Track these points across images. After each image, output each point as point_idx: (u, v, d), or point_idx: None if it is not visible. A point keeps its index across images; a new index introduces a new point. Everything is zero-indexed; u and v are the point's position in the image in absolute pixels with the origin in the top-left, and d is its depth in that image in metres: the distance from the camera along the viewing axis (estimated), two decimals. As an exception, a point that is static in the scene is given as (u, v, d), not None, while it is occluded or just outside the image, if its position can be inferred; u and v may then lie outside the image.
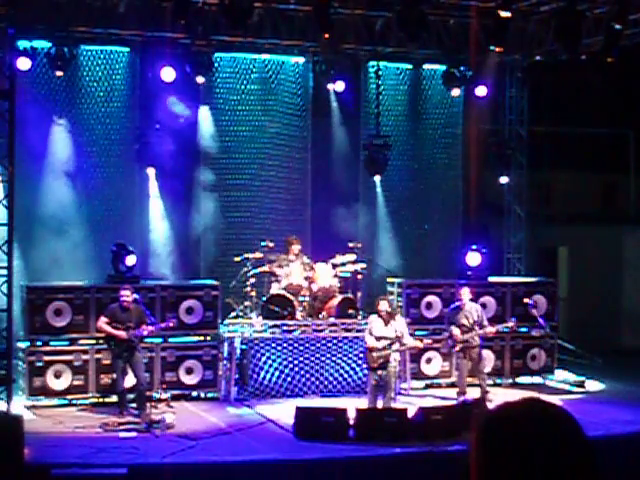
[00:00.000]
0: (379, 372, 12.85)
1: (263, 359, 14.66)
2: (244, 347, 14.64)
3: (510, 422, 2.11)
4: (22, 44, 14.53)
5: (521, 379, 16.36)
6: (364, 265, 15.58)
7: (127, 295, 13.05)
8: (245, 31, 15.14)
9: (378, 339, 12.86)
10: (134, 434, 12.14)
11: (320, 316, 15.22)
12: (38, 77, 15.35)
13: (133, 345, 12.91)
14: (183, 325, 14.57)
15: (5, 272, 12.58)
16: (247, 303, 15.07)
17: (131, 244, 14.96)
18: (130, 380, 13.15)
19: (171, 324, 13.47)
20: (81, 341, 14.16)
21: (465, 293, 14.29)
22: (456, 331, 14.08)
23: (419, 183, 18.10)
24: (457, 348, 14.15)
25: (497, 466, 2.07)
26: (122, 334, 12.81)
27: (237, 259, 15.20)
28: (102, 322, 13.05)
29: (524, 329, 16.04)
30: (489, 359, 15.68)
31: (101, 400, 14.07)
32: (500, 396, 14.33)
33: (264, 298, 14.96)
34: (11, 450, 9.90)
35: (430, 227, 18.11)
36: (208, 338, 14.85)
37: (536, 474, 2.04)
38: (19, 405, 13.22)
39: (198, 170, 16.43)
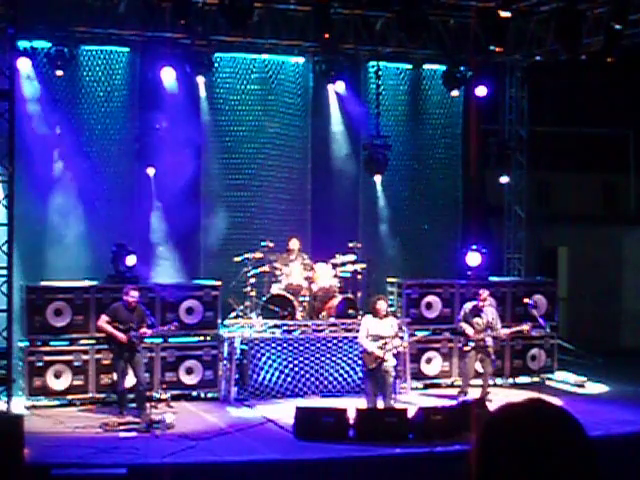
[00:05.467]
0: (379, 370, 12.79)
1: (263, 359, 14.66)
2: (244, 347, 14.63)
3: (513, 423, 2.11)
4: (22, 44, 14.53)
5: (521, 379, 16.36)
6: (364, 265, 15.57)
7: (136, 295, 13.03)
8: (245, 31, 15.12)
9: (375, 338, 12.81)
10: (134, 434, 12.13)
11: (320, 316, 15.22)
12: (38, 77, 15.34)
13: (134, 346, 12.89)
14: (183, 325, 14.56)
15: (5, 272, 12.57)
16: (247, 303, 15.07)
17: (131, 244, 14.96)
18: (130, 380, 13.14)
19: (173, 327, 13.41)
20: (81, 341, 14.16)
21: (486, 295, 14.30)
22: (469, 330, 14.08)
23: (419, 183, 18.09)
24: (468, 347, 14.15)
25: (500, 467, 2.07)
26: (122, 336, 12.77)
27: (237, 259, 15.20)
28: (103, 321, 13.00)
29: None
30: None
31: (101, 400, 14.08)
32: (500, 396, 14.35)
33: (264, 298, 14.95)
34: (11, 450, 9.90)
35: (430, 227, 18.10)
36: (208, 338, 14.85)
37: (538, 475, 2.04)
38: (19, 405, 13.21)
39: (198, 170, 16.42)
